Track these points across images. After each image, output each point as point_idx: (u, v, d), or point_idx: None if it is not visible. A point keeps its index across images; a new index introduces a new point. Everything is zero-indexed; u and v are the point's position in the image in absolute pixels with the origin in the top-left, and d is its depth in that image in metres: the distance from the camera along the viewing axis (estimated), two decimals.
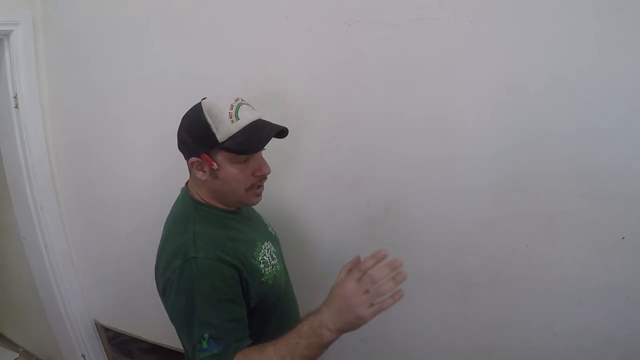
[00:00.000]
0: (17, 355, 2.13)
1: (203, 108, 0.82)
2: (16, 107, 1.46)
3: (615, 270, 0.94)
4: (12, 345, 2.20)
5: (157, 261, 0.87)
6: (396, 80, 1.01)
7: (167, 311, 0.82)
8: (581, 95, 0.87)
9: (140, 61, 1.33)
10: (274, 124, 0.85)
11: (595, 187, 0.91)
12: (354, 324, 0.70)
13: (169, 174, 1.40)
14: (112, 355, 1.87)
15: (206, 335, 0.73)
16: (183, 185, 0.95)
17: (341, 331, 0.71)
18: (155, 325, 1.67)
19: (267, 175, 0.89)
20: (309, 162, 1.16)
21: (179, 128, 0.87)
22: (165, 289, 0.80)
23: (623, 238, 0.91)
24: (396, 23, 0.97)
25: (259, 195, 0.90)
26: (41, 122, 1.54)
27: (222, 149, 0.81)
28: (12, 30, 1.39)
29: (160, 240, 0.89)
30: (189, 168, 0.89)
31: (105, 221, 1.62)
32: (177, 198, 0.95)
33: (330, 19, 1.03)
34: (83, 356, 1.79)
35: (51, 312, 1.75)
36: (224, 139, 0.80)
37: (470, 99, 0.96)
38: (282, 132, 0.86)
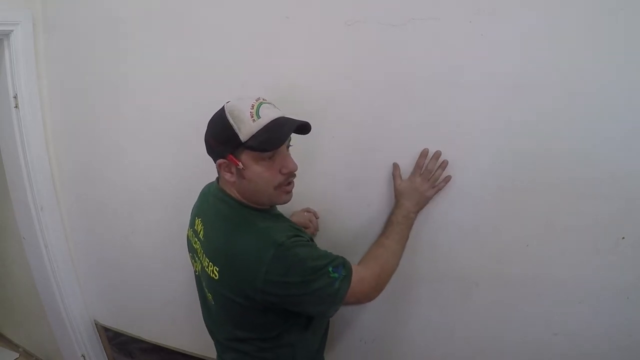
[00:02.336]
0: (17, 355, 2.14)
1: (226, 110, 0.84)
2: (16, 107, 1.46)
3: (615, 270, 0.94)
4: (12, 345, 2.20)
5: (223, 262, 0.87)
6: (396, 81, 1.01)
7: (279, 298, 0.83)
8: (581, 96, 0.87)
9: (141, 61, 1.33)
10: (294, 119, 0.86)
11: (595, 187, 0.91)
12: (424, 204, 1.03)
13: (170, 173, 1.40)
14: (112, 355, 1.87)
15: (330, 269, 0.82)
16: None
17: (417, 212, 1.02)
18: (155, 325, 1.67)
19: (296, 173, 0.90)
20: (308, 162, 1.16)
21: (206, 133, 0.89)
22: (267, 283, 0.81)
23: (623, 238, 0.91)
24: (396, 23, 0.97)
25: (289, 193, 0.91)
26: (41, 122, 1.53)
27: (245, 148, 0.83)
28: (12, 30, 1.39)
29: (219, 243, 0.88)
30: (217, 171, 0.91)
31: (105, 221, 1.62)
32: (213, 200, 0.94)
33: (330, 19, 1.03)
34: (83, 356, 1.79)
35: (51, 312, 1.75)
36: (247, 138, 0.82)
37: (470, 99, 0.96)
38: (305, 128, 0.88)
